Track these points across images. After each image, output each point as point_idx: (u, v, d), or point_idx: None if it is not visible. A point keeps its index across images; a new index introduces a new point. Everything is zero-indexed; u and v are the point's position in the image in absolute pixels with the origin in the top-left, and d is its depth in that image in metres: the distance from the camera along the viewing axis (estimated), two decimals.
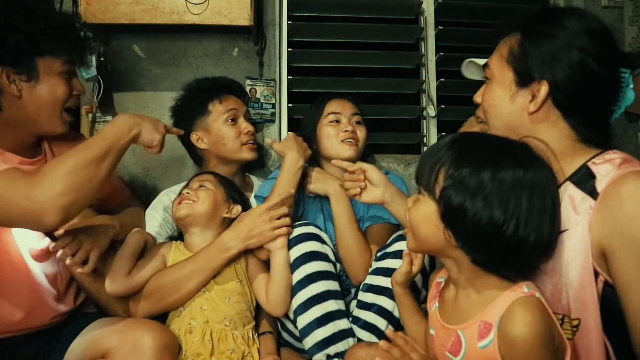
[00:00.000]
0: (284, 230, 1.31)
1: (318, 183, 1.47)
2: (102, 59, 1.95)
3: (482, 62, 1.33)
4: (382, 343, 0.88)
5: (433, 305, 0.98)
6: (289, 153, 1.44)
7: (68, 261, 1.22)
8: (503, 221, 0.79)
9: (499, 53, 1.00)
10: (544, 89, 0.93)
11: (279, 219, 1.32)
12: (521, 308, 0.79)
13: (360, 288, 1.33)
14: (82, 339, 1.23)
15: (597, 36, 0.92)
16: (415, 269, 1.08)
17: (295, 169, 1.43)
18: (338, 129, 1.53)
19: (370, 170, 1.34)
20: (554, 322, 0.82)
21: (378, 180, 1.32)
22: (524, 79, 0.95)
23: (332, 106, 1.58)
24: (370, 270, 1.33)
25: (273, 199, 1.35)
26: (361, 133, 1.56)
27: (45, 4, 1.32)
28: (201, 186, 1.41)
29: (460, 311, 0.89)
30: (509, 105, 0.98)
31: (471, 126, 1.37)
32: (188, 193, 1.38)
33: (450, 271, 0.92)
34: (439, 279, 1.01)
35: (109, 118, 1.97)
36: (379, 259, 1.33)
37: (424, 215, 0.87)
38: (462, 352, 0.86)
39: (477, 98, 1.07)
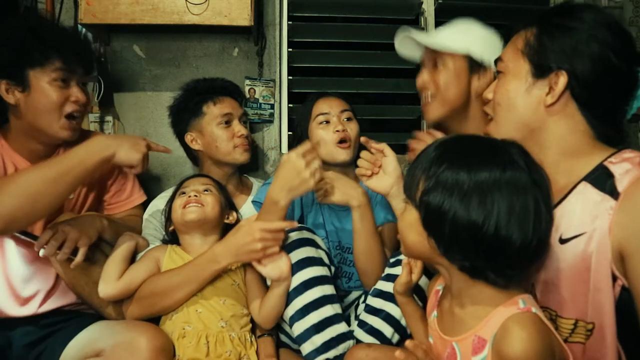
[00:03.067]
0: (275, 249, 1.24)
1: (338, 193, 1.31)
2: (102, 59, 1.95)
3: (419, 36, 1.32)
4: (399, 353, 0.86)
5: (432, 314, 0.97)
6: (270, 193, 1.24)
7: (58, 256, 1.22)
8: (482, 220, 0.76)
9: (513, 46, 0.97)
10: (562, 80, 0.90)
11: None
12: (516, 325, 0.77)
13: (370, 292, 1.32)
14: (78, 340, 1.24)
15: (616, 31, 0.90)
16: (415, 277, 1.06)
17: (276, 208, 1.23)
18: (328, 130, 1.50)
19: (390, 156, 1.30)
20: (554, 336, 0.80)
21: (392, 170, 1.29)
22: (540, 70, 0.92)
23: (320, 106, 1.55)
24: (383, 275, 1.31)
25: (272, 224, 1.23)
26: (352, 130, 1.52)
27: (35, 16, 1.39)
28: (206, 190, 1.40)
29: (456, 322, 0.88)
30: (524, 98, 0.94)
31: (424, 142, 1.29)
32: (195, 195, 1.36)
33: (445, 279, 0.91)
34: (438, 286, 0.99)
35: (109, 118, 1.97)
36: (391, 265, 1.31)
37: (408, 223, 0.86)
38: None
39: (488, 94, 1.03)
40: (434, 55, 1.31)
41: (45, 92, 1.30)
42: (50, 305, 1.35)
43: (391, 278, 1.27)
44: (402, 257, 1.28)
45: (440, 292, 0.97)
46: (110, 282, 1.27)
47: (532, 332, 0.76)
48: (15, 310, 1.32)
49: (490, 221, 0.76)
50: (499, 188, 0.77)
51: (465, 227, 0.77)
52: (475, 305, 0.84)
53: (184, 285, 1.27)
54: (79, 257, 1.24)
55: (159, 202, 1.58)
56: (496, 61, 1.02)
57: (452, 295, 0.90)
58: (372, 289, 1.32)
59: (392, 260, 1.32)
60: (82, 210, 1.50)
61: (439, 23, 2.17)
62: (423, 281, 1.23)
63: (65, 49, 1.32)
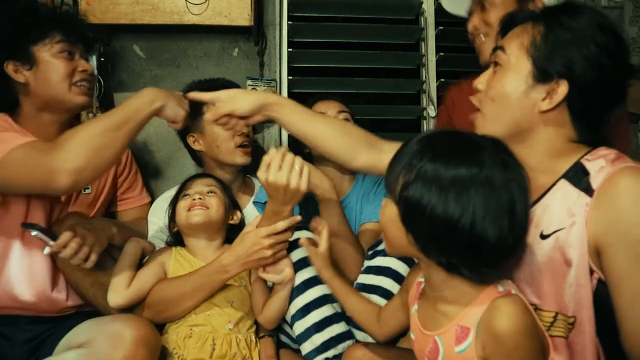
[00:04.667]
0: (284, 253, 1.26)
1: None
2: (102, 59, 1.95)
3: None
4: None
5: (413, 307, 0.96)
6: (271, 207, 1.21)
7: (73, 260, 1.23)
8: (458, 216, 0.77)
9: (518, 40, 0.95)
10: (562, 89, 0.89)
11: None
12: (503, 303, 0.79)
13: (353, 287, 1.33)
14: (69, 333, 1.26)
15: (617, 37, 0.90)
16: (322, 248, 1.16)
17: (279, 217, 1.22)
18: None
19: (229, 100, 1.20)
20: (536, 317, 0.83)
21: (234, 99, 1.21)
22: (543, 75, 0.91)
23: (318, 107, 1.57)
24: (362, 269, 1.32)
25: (277, 225, 1.21)
26: None
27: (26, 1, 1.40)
28: (210, 191, 1.40)
29: (437, 316, 0.88)
30: (521, 99, 0.93)
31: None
32: (200, 198, 1.36)
33: (425, 273, 0.91)
34: (420, 278, 0.98)
35: None
36: (369, 258, 1.32)
37: (388, 218, 0.86)
38: (439, 357, 0.86)
39: (479, 84, 1.00)
40: None
41: (52, 65, 1.34)
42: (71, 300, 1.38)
43: (371, 270, 1.28)
44: (379, 247, 1.30)
45: (423, 285, 0.96)
46: (119, 291, 1.27)
47: (520, 309, 0.79)
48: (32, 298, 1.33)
49: (466, 217, 0.77)
50: (476, 185, 0.78)
51: (442, 222, 0.78)
52: (456, 298, 0.85)
53: (193, 294, 1.28)
54: (89, 264, 1.25)
55: (162, 203, 1.58)
56: (495, 49, 0.99)
57: (432, 289, 0.90)
58: (355, 283, 1.32)
59: (370, 252, 1.33)
60: (99, 202, 1.53)
61: (439, 23, 2.18)
62: (403, 268, 1.24)
63: (62, 23, 1.37)
